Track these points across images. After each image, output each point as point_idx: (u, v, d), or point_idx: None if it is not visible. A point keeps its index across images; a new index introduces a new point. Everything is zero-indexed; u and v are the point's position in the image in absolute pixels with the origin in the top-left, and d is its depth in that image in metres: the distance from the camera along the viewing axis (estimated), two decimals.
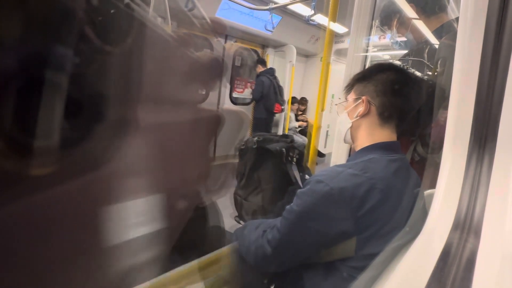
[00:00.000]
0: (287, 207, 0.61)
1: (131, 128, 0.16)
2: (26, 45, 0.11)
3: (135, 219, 0.19)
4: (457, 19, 0.69)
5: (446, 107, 0.49)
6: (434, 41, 1.09)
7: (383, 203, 0.55)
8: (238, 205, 1.13)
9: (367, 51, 1.28)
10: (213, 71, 0.23)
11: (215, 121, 0.23)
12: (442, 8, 1.05)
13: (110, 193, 0.16)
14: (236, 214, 1.13)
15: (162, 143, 0.19)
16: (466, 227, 0.44)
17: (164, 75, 0.19)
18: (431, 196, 0.52)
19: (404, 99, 0.68)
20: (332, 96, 3.61)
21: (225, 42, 3.48)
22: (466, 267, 0.38)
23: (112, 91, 0.15)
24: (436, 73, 0.96)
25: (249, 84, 3.87)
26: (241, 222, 1.11)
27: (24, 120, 0.11)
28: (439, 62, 0.94)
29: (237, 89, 3.82)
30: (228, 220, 1.13)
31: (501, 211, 0.41)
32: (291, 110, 4.12)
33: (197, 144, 0.23)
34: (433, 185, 0.52)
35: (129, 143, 0.16)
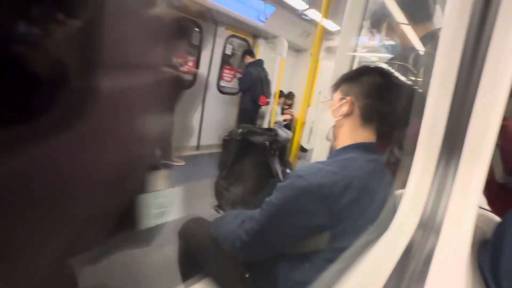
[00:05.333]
0: (267, 199, 0.63)
1: (93, 93, 0.16)
2: None
3: (96, 184, 0.20)
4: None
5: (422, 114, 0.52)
6: (420, 47, 1.13)
7: (358, 201, 0.58)
8: (218, 195, 1.14)
9: (355, 51, 1.30)
10: (176, 30, 0.23)
11: (177, 83, 0.23)
12: (429, 17, 1.08)
13: (75, 158, 0.16)
14: (216, 203, 1.14)
15: (124, 106, 0.19)
16: (429, 227, 0.48)
17: (126, 37, 0.19)
18: (401, 196, 0.55)
19: (386, 103, 0.70)
20: (319, 93, 3.65)
21: (216, 28, 3.39)
22: (424, 262, 0.42)
23: (73, 59, 0.15)
24: (417, 79, 1.00)
25: (238, 74, 3.82)
26: (220, 211, 1.12)
27: None
28: (422, 69, 0.97)
29: (225, 78, 3.76)
30: (208, 209, 1.13)
31: (460, 214, 0.45)
32: (278, 104, 4.12)
33: (159, 106, 0.23)
34: (404, 185, 0.56)
35: (91, 108, 0.16)
